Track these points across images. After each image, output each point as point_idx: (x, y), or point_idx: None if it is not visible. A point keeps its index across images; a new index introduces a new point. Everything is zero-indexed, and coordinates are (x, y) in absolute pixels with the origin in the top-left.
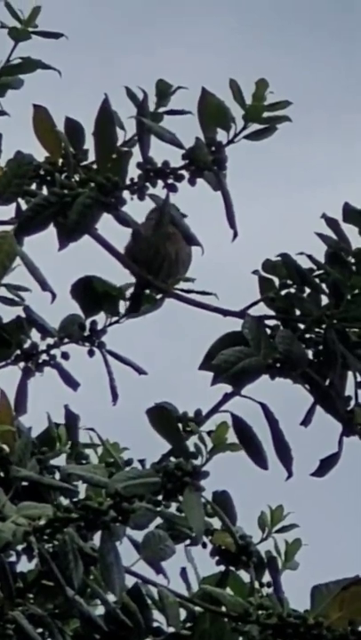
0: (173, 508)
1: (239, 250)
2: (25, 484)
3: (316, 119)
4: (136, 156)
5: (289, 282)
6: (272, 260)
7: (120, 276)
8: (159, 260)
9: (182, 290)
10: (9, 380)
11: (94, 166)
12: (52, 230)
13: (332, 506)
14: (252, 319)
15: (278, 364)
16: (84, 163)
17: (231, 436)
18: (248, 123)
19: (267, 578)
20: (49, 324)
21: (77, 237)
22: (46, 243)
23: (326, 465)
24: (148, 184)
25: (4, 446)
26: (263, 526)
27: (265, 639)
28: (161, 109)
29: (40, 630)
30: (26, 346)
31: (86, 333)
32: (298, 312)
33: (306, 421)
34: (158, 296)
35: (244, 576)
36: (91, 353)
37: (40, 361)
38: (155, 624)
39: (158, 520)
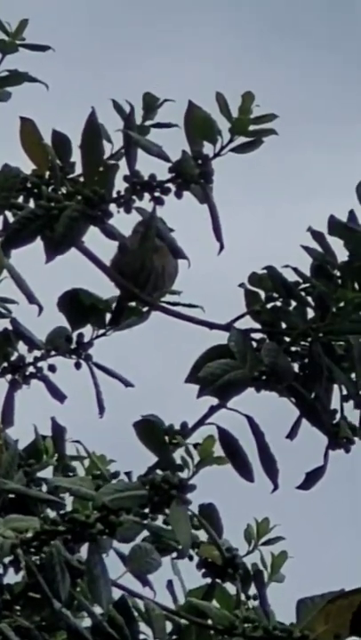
0: (160, 520)
1: (225, 263)
2: (12, 496)
3: (305, 131)
4: (123, 169)
5: (275, 295)
6: (258, 272)
7: (107, 289)
8: (146, 272)
9: (168, 303)
10: None
11: (81, 179)
12: (39, 243)
13: (318, 519)
14: (237, 332)
15: (264, 377)
16: (71, 175)
17: (217, 449)
18: (234, 136)
19: (253, 591)
20: (36, 337)
21: (64, 250)
22: (33, 255)
23: (312, 478)
24: (134, 197)
25: None
26: (249, 539)
27: None
28: (148, 122)
29: None
30: (13, 358)
31: (73, 346)
32: (284, 325)
33: (292, 434)
34: (145, 309)
35: (231, 589)
36: (77, 365)
37: (27, 373)
38: (141, 637)
39: (145, 533)
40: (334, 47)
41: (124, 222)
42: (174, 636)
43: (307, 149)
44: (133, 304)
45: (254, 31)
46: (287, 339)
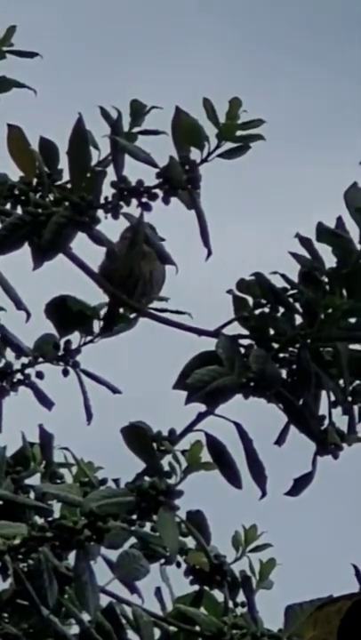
0: (148, 527)
1: (213, 269)
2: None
3: (296, 140)
4: (110, 175)
5: (263, 301)
6: (246, 279)
7: (94, 296)
8: (134, 279)
9: (156, 309)
10: None
11: (68, 185)
12: (26, 249)
13: (306, 525)
14: (225, 338)
15: (252, 384)
16: (59, 182)
17: (205, 456)
18: (222, 141)
19: (241, 597)
20: (23, 344)
21: (52, 256)
22: (21, 262)
23: (300, 484)
24: (122, 203)
25: None
26: (237, 546)
27: None
28: (135, 129)
29: None
30: (0, 365)
31: (61, 353)
32: (272, 331)
33: (280, 441)
34: (132, 315)
35: (219, 596)
36: (65, 372)
37: (14, 380)
38: None
39: (133, 540)
40: (327, 60)
41: (112, 228)
42: None
43: (297, 157)
44: (121, 310)
45: (245, 42)
46: (275, 345)
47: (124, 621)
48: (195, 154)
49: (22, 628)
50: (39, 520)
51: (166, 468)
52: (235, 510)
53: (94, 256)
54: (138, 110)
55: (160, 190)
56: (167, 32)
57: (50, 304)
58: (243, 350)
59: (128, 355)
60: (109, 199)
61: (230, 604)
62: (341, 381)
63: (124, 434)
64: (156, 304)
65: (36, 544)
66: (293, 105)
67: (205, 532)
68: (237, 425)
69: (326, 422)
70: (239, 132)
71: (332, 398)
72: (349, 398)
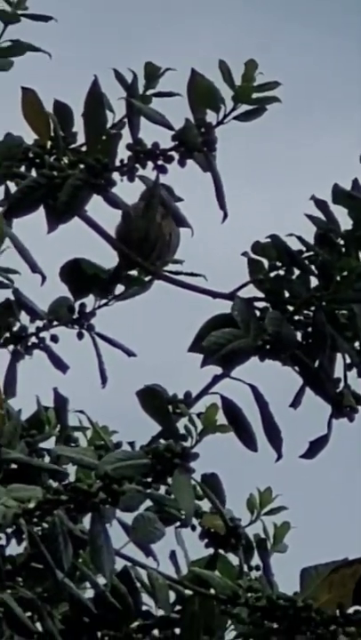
0: (163, 490)
1: (229, 232)
2: (14, 466)
3: (311, 104)
4: (126, 137)
5: (278, 263)
6: (261, 241)
7: (109, 259)
8: (150, 241)
9: (171, 272)
10: None
11: (84, 148)
12: (41, 212)
13: (321, 488)
14: (241, 301)
15: (268, 346)
16: (74, 145)
17: (221, 418)
18: (237, 104)
19: (256, 560)
20: (38, 307)
21: (67, 219)
22: (35, 225)
23: (316, 447)
24: (137, 165)
25: None
26: (252, 509)
27: (254, 621)
28: (150, 92)
29: (29, 613)
30: (15, 328)
31: (75, 316)
32: (287, 294)
33: (295, 403)
34: (147, 278)
35: (234, 559)
36: (80, 336)
37: (29, 344)
38: (144, 607)
39: (148, 502)
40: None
41: (127, 191)
42: (177, 606)
43: (313, 121)
44: (136, 273)
45: (263, 6)
46: (291, 307)
47: (138, 585)
48: (210, 116)
49: (37, 591)
50: (54, 483)
51: (182, 430)
52: (250, 473)
53: (109, 219)
54: (152, 73)
55: (176, 153)
56: None
57: (64, 267)
58: (258, 313)
59: (143, 318)
60: (125, 162)
61: (245, 568)
62: (357, 344)
63: (140, 397)
64: (171, 267)
65: (51, 507)
66: (310, 70)
67: (220, 494)
68: (253, 387)
69: (342, 385)
70: (255, 95)
71: (348, 361)
72: None
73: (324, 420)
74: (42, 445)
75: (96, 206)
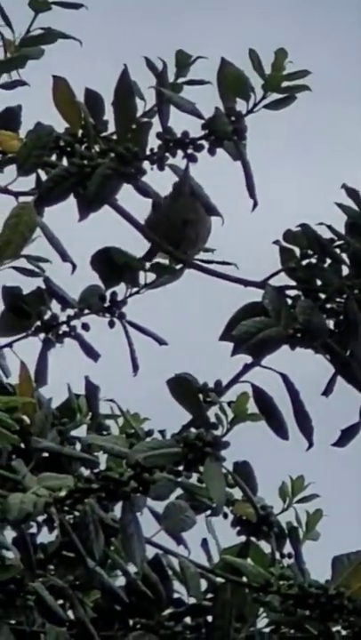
0: (194, 478)
1: (260, 220)
2: (45, 455)
3: (341, 92)
4: (156, 126)
5: (310, 252)
6: (293, 230)
7: (140, 247)
8: (180, 230)
9: (202, 260)
10: (29, 351)
11: (114, 137)
12: (72, 201)
13: (353, 476)
14: (272, 289)
15: (299, 335)
16: (104, 133)
17: (252, 407)
18: (267, 92)
19: (288, 548)
20: (69, 296)
21: (97, 208)
22: (66, 213)
23: (347, 435)
24: (167, 154)
25: (25, 418)
26: (284, 497)
27: (286, 609)
28: (180, 80)
29: (61, 601)
30: (46, 317)
31: (106, 304)
32: (319, 282)
33: (327, 391)
34: (178, 267)
35: (265, 547)
36: (111, 324)
37: (60, 332)
38: (176, 595)
39: (179, 491)
40: None
41: (158, 180)
42: (209, 595)
43: (344, 109)
44: (167, 262)
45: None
46: (322, 296)
47: (170, 573)
48: (240, 105)
49: (68, 579)
50: (85, 472)
51: (213, 419)
52: (281, 461)
53: (140, 207)
54: (183, 61)
55: (206, 141)
56: None
57: (95, 256)
58: (289, 301)
59: (174, 306)
60: (155, 150)
61: (277, 556)
62: None
63: (171, 385)
64: (202, 255)
65: (82, 496)
66: (341, 58)
67: (252, 483)
68: (284, 376)
69: None
70: (285, 83)
71: None
72: None
73: (356, 409)
74: (73, 433)
75: (127, 195)
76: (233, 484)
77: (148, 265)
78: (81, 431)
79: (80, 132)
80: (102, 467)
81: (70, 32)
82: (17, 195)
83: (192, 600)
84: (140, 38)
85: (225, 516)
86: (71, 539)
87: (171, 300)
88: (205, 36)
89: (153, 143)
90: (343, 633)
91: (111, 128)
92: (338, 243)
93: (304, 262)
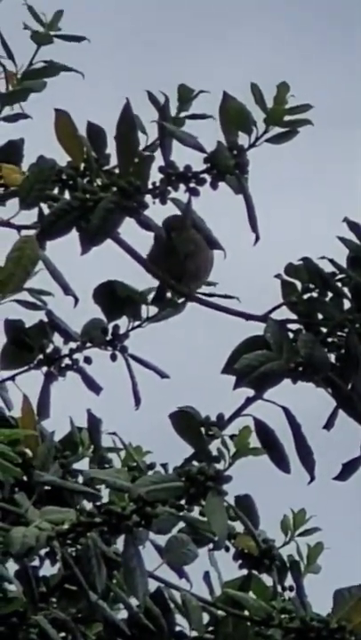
0: (196, 511)
1: (261, 254)
2: (48, 488)
3: (341, 124)
4: (158, 160)
5: (311, 286)
6: (294, 264)
7: (142, 281)
8: (182, 264)
9: (204, 294)
10: (32, 384)
11: (116, 170)
12: (74, 235)
13: (354, 509)
14: (274, 323)
15: (300, 368)
16: (106, 167)
17: (254, 440)
18: (269, 126)
19: (289, 581)
20: (71, 329)
21: (100, 241)
22: (69, 247)
23: (349, 469)
24: (169, 188)
25: (27, 451)
26: (286, 530)
27: None
28: (182, 114)
29: (63, 634)
30: (48, 350)
31: (109, 338)
32: (320, 316)
33: (328, 425)
34: (180, 300)
35: (267, 580)
36: (113, 357)
37: (63, 365)
38: (178, 628)
39: (181, 524)
40: None
41: (160, 213)
42: (211, 628)
43: (345, 141)
44: (169, 295)
45: (293, 30)
46: (324, 330)
47: (172, 606)
48: (242, 139)
49: (70, 612)
50: (88, 505)
51: (215, 453)
52: (283, 495)
53: (142, 241)
54: (185, 95)
55: (208, 175)
56: (215, 18)
57: (98, 289)
58: (291, 335)
59: (176, 340)
60: (157, 184)
61: (279, 589)
62: None
63: (173, 419)
64: (204, 289)
65: (85, 529)
66: (341, 90)
67: (254, 516)
68: (286, 409)
69: None
70: (287, 117)
71: None
72: None
73: (357, 442)
74: (75, 466)
75: (129, 228)
76: (235, 517)
77: (149, 298)
78: (83, 464)
79: (82, 165)
80: (105, 500)
81: (73, 65)
82: (19, 228)
83: (194, 633)
84: (142, 71)
85: (227, 549)
86: (73, 572)
87: (173, 333)
88: (207, 69)
89: (155, 177)
90: None
91: (113, 162)
92: (340, 276)
93: (306, 296)
